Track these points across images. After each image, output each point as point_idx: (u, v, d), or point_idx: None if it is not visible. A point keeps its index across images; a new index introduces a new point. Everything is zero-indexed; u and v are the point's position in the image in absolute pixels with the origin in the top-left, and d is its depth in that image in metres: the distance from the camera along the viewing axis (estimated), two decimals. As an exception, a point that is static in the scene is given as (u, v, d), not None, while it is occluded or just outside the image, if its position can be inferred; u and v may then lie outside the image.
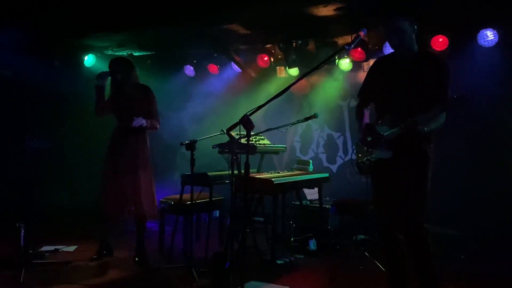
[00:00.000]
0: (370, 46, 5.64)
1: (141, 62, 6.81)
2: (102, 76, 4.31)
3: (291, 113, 6.43)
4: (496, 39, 4.94)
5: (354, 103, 6.18)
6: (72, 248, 4.88)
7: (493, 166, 5.11)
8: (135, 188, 4.25)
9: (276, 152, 5.25)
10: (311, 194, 5.48)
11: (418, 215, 2.94)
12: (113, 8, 4.97)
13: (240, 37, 6.01)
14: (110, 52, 6.79)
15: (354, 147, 3.31)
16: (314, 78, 6.46)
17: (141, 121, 4.20)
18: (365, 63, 5.91)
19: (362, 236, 4.84)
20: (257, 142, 4.66)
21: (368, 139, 2.98)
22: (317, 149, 6.75)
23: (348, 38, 5.64)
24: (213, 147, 4.03)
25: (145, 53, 6.95)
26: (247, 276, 3.67)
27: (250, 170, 3.34)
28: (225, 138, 3.87)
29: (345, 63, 5.98)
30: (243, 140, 3.61)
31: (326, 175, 5.06)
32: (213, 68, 6.79)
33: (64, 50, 6.61)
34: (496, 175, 5.05)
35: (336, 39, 5.81)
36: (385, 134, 2.85)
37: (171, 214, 4.67)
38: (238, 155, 3.77)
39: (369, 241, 4.77)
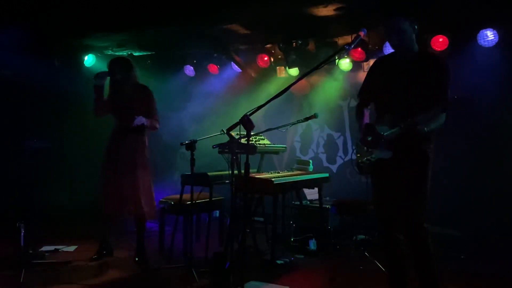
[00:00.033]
0: (370, 46, 5.64)
1: (141, 62, 6.81)
2: (101, 76, 4.30)
3: (291, 113, 6.43)
4: (496, 39, 4.94)
5: (354, 103, 6.18)
6: (72, 248, 4.88)
7: (493, 166, 5.11)
8: (134, 188, 4.25)
9: (276, 152, 5.25)
10: (311, 194, 5.48)
11: (418, 215, 2.94)
12: (113, 8, 4.97)
13: (240, 37, 6.01)
14: (110, 52, 6.79)
15: (354, 147, 3.32)
16: (314, 78, 6.46)
17: (142, 120, 4.21)
18: (365, 63, 5.92)
19: (362, 236, 4.84)
20: (257, 142, 4.66)
21: (368, 139, 2.98)
22: (317, 149, 6.75)
23: (348, 38, 5.64)
24: (213, 147, 4.03)
25: (145, 53, 6.95)
26: (247, 276, 3.67)
27: (250, 170, 3.34)
28: (225, 138, 3.87)
29: (345, 63, 5.98)
30: (243, 140, 3.61)
31: (326, 175, 5.06)
32: (213, 68, 6.79)
33: (64, 50, 6.61)
34: (496, 175, 5.05)
35: (336, 39, 5.81)
36: (385, 134, 2.85)
37: (171, 214, 4.67)
38: (238, 155, 3.77)
39: (369, 241, 4.78)
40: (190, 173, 3.96)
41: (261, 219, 5.14)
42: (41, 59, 6.29)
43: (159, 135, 6.39)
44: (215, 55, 6.65)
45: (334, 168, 6.56)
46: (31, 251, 4.26)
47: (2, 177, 6.02)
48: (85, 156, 6.51)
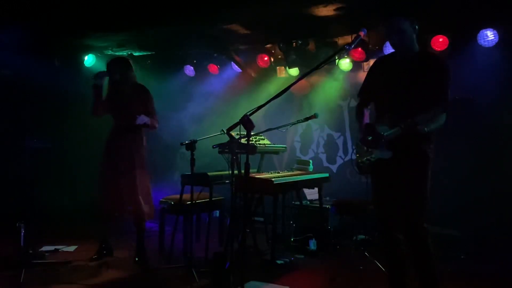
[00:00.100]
0: (370, 46, 5.64)
1: (141, 62, 6.82)
2: (100, 76, 4.31)
3: (291, 113, 6.43)
4: (496, 39, 4.94)
5: (354, 103, 6.18)
6: (72, 248, 4.88)
7: (493, 166, 5.11)
8: (132, 188, 4.26)
9: (276, 152, 5.25)
10: (311, 194, 5.48)
11: (418, 215, 2.94)
12: (113, 8, 4.97)
13: (240, 37, 6.01)
14: (110, 52, 6.79)
15: (354, 147, 3.31)
16: (314, 78, 6.46)
17: (144, 119, 4.23)
18: (365, 63, 5.92)
19: (362, 236, 4.84)
20: (257, 142, 4.66)
21: (368, 139, 2.97)
22: (317, 149, 6.75)
23: (348, 38, 5.64)
24: (213, 147, 4.03)
25: (145, 53, 6.95)
26: (247, 276, 3.67)
27: (250, 170, 3.34)
28: (225, 138, 3.87)
29: (345, 63, 5.98)
30: (243, 140, 3.61)
31: (326, 175, 5.06)
32: (213, 68, 6.79)
33: (64, 50, 6.61)
34: (496, 175, 5.05)
35: (336, 39, 5.81)
36: (385, 134, 2.85)
37: (171, 214, 4.66)
38: (238, 155, 3.77)
39: (369, 241, 4.77)
40: (190, 173, 3.96)
41: (261, 219, 5.14)
42: (41, 59, 6.29)
43: (159, 135, 6.38)
44: (215, 55, 6.65)
45: (334, 168, 6.56)
46: (31, 251, 4.26)
47: (2, 177, 6.02)
48: (85, 156, 6.50)
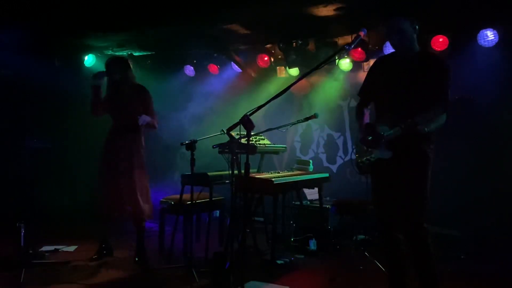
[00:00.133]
0: (370, 46, 5.64)
1: (141, 62, 6.82)
2: (99, 76, 4.31)
3: (291, 113, 6.43)
4: (496, 39, 4.94)
5: (354, 103, 6.18)
6: (72, 248, 4.88)
7: (493, 166, 5.11)
8: (131, 188, 4.26)
9: (276, 152, 5.25)
10: (311, 194, 5.48)
11: (418, 215, 2.94)
12: (113, 8, 4.97)
13: (240, 37, 6.01)
14: (110, 52, 6.79)
15: (354, 147, 3.31)
16: (314, 78, 6.46)
17: (146, 119, 4.24)
18: (365, 63, 5.91)
19: (362, 236, 4.84)
20: (257, 142, 4.66)
21: (368, 139, 2.97)
22: (317, 149, 6.75)
23: (348, 38, 5.64)
24: (213, 147, 4.03)
25: (145, 53, 6.94)
26: (247, 276, 3.66)
27: (250, 170, 3.34)
28: (225, 138, 3.87)
29: (345, 63, 5.98)
30: (243, 140, 3.61)
31: (326, 175, 5.06)
32: (213, 68, 6.79)
33: (64, 50, 6.61)
34: (496, 175, 5.05)
35: (336, 39, 5.80)
36: (385, 134, 2.85)
37: (171, 214, 4.67)
38: (238, 155, 3.77)
39: (369, 241, 4.77)
40: (190, 173, 3.96)
41: (261, 219, 5.14)
42: (41, 59, 6.28)
43: (159, 135, 6.38)
44: (215, 55, 6.65)
45: (334, 168, 6.56)
46: (31, 251, 4.26)
47: (2, 177, 6.02)
48: (85, 156, 6.50)
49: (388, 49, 5.19)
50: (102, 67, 4.44)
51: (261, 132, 4.44)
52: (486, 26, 4.98)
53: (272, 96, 2.84)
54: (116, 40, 6.34)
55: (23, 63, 6.10)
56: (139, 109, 4.30)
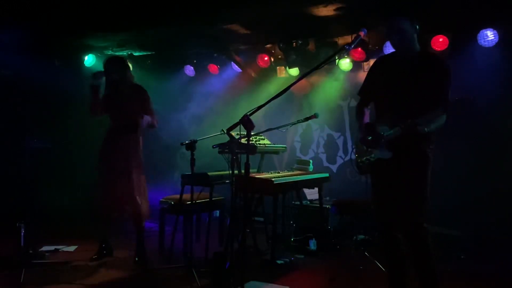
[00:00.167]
0: (370, 46, 5.64)
1: (141, 62, 6.82)
2: (97, 76, 4.31)
3: (291, 113, 6.43)
4: (496, 39, 4.94)
5: (354, 103, 6.18)
6: (72, 248, 4.88)
7: (493, 166, 5.11)
8: (130, 189, 4.26)
9: (276, 152, 5.24)
10: (311, 194, 5.47)
11: (418, 215, 2.94)
12: (113, 8, 4.97)
13: (240, 37, 6.01)
14: (110, 52, 6.79)
15: (354, 147, 3.31)
16: (314, 78, 6.46)
17: (148, 119, 4.28)
18: (365, 63, 5.92)
19: (362, 236, 4.84)
20: (257, 142, 4.66)
21: (368, 139, 2.97)
22: (317, 149, 6.75)
23: (348, 38, 5.64)
24: (213, 147, 4.03)
25: (145, 53, 6.95)
26: (247, 276, 3.66)
27: (250, 170, 3.34)
28: (225, 138, 3.87)
29: (345, 63, 5.98)
30: (243, 140, 3.61)
31: (326, 175, 5.06)
32: (213, 68, 6.79)
33: (64, 50, 6.61)
34: (496, 175, 5.05)
35: (336, 39, 5.81)
36: (385, 134, 2.85)
37: (171, 214, 4.67)
38: (238, 155, 3.77)
39: (369, 241, 4.77)
40: (190, 173, 3.96)
41: (261, 219, 5.14)
42: (41, 59, 6.29)
43: (159, 135, 6.39)
44: (215, 55, 6.65)
45: (334, 168, 6.56)
46: (31, 251, 4.26)
47: (2, 177, 6.02)
48: (85, 156, 6.49)
49: (388, 49, 5.19)
50: (101, 67, 4.44)
51: (261, 132, 4.44)
52: (486, 26, 4.98)
53: (272, 96, 2.84)
54: (116, 40, 6.34)
55: (23, 63, 6.10)
56: (138, 109, 4.30)
